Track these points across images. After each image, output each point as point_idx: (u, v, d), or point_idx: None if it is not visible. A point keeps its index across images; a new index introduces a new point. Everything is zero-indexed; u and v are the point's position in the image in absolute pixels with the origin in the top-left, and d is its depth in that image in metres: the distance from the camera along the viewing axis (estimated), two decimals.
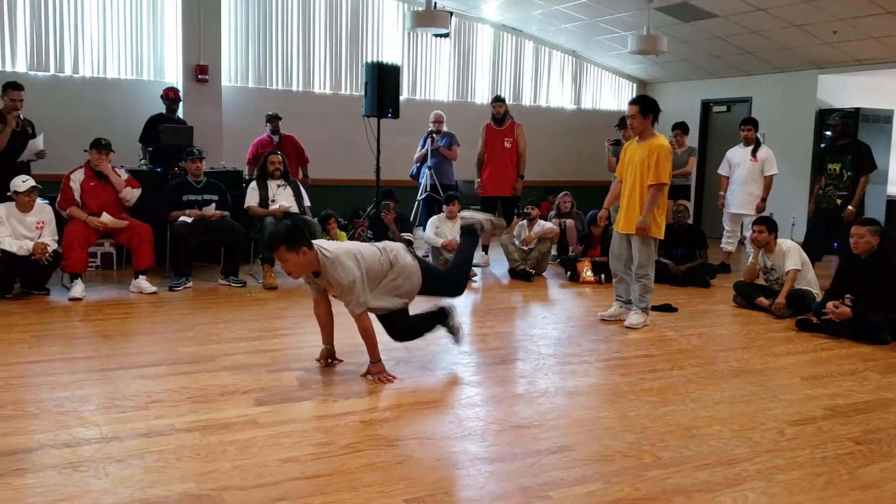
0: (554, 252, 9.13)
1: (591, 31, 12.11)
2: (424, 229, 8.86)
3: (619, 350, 5.58)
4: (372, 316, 4.70)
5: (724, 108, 12.94)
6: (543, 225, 8.67)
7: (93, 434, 3.66)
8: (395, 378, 4.64)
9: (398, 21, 11.94)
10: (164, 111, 9.04)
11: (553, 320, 6.55)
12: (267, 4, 11.00)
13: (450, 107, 11.66)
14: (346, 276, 4.44)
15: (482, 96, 12.79)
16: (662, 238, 6.33)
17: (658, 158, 6.04)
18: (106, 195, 7.11)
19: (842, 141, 8.38)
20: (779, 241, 7.14)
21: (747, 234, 8.60)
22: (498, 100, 9.21)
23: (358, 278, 4.48)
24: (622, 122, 9.60)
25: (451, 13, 9.52)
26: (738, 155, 9.20)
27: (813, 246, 7.89)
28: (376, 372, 4.64)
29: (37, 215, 6.74)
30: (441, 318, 5.07)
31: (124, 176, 7.31)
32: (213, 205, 7.54)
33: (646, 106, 6.18)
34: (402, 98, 9.81)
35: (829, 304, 6.13)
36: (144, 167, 8.58)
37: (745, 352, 5.64)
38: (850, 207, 8.13)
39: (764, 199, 8.92)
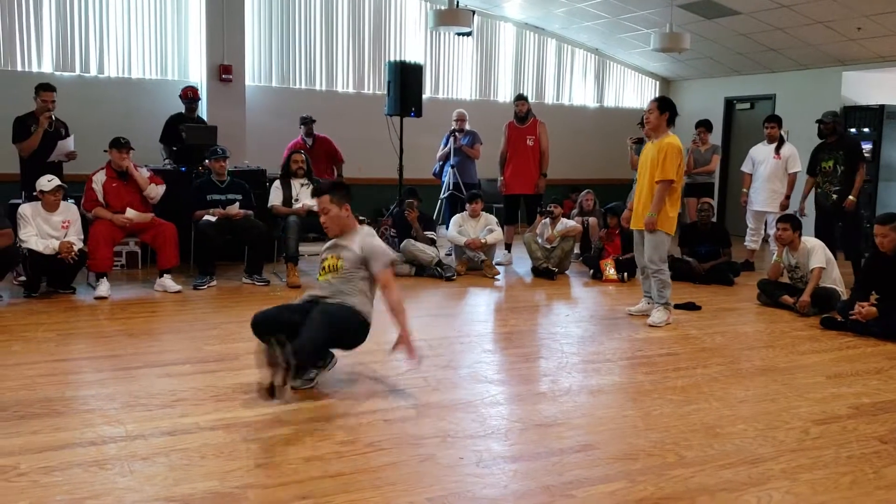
0: (577, 250, 9.12)
1: (614, 28, 12.06)
2: (447, 228, 8.87)
3: (642, 348, 5.55)
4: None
5: (747, 105, 12.84)
6: (566, 223, 8.64)
7: (118, 432, 3.69)
8: (420, 358, 4.44)
9: (421, 20, 11.96)
10: (183, 111, 9.09)
11: (576, 318, 6.54)
12: (290, 4, 11.05)
13: (472, 105, 11.66)
14: (380, 243, 4.50)
15: (505, 95, 12.77)
16: (673, 234, 6.40)
17: (666, 156, 6.17)
18: (129, 195, 7.15)
19: (831, 138, 8.39)
20: (803, 238, 7.08)
21: (771, 231, 8.54)
22: (520, 98, 9.19)
23: (390, 257, 4.50)
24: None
25: (474, 12, 9.51)
26: (761, 152, 9.13)
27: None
28: (409, 343, 4.25)
29: (62, 214, 6.79)
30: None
31: (146, 174, 7.35)
32: (237, 204, 7.57)
33: (664, 103, 6.37)
34: (424, 97, 9.82)
35: (857, 307, 6.08)
36: (169, 167, 8.65)
37: (770, 350, 5.60)
38: (850, 198, 8.14)
39: (788, 197, 8.85)
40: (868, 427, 4.02)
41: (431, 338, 5.63)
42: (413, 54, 11.76)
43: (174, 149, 8.80)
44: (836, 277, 6.99)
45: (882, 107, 10.75)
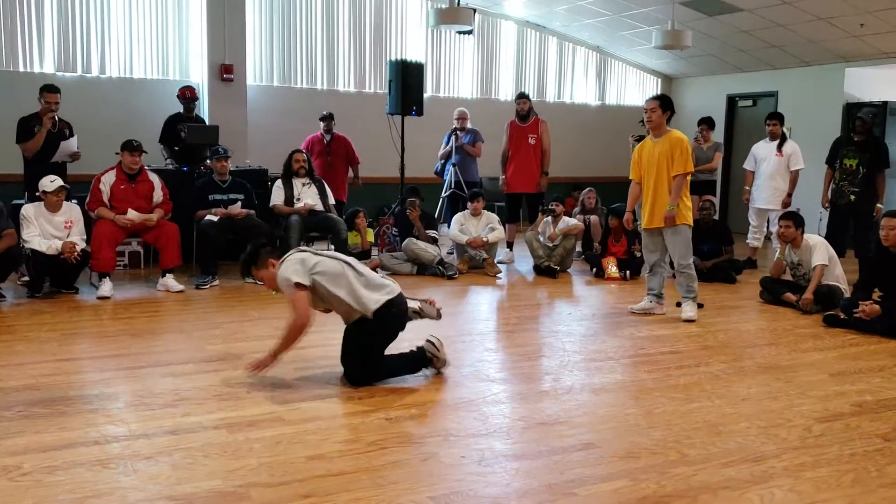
0: (578, 248, 9.12)
1: (616, 26, 12.05)
2: (449, 226, 8.87)
3: (644, 346, 5.55)
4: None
5: (749, 102, 12.82)
6: (568, 221, 8.65)
7: (121, 431, 3.70)
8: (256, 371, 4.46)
9: (422, 18, 11.95)
10: (181, 111, 9.09)
11: (578, 317, 6.54)
12: (291, 3, 11.05)
13: (474, 104, 11.66)
14: (284, 274, 4.40)
15: (506, 93, 12.76)
16: (692, 224, 6.45)
17: (681, 150, 6.25)
18: (136, 198, 7.16)
19: (860, 137, 8.30)
20: (805, 236, 7.08)
21: (773, 229, 8.53)
22: (522, 96, 9.19)
23: (291, 281, 4.36)
24: None
25: (475, 10, 9.50)
26: (763, 150, 9.12)
27: (833, 241, 7.82)
28: (263, 362, 4.43)
29: (65, 215, 6.81)
30: (417, 361, 4.71)
31: (158, 185, 7.34)
32: (239, 203, 7.59)
33: (665, 102, 6.43)
34: (426, 95, 9.83)
35: (861, 305, 6.07)
36: (170, 167, 8.65)
37: (772, 348, 5.60)
38: (878, 205, 8.12)
39: (790, 194, 8.84)
40: (871, 425, 4.02)
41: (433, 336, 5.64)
42: (414, 53, 11.76)
43: (175, 149, 8.81)
44: (839, 275, 6.99)
45: (885, 103, 10.73)
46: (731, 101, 13.03)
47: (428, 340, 4.69)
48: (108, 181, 7.14)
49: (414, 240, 8.29)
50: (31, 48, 9.60)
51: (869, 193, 8.15)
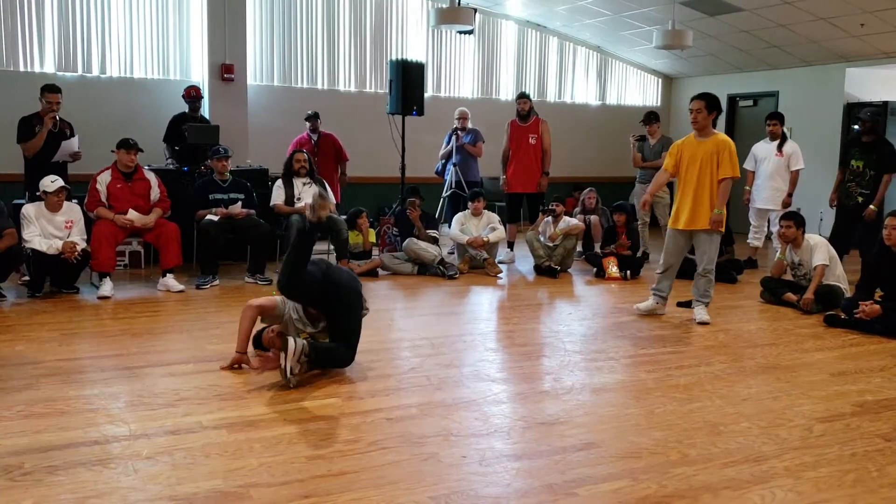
0: (579, 248, 9.11)
1: (616, 26, 12.05)
2: (450, 226, 8.87)
3: (645, 346, 5.55)
4: None
5: (750, 102, 12.82)
6: (569, 221, 8.65)
7: (122, 431, 3.70)
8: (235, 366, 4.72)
9: (422, 18, 11.95)
10: (186, 110, 9.10)
11: (579, 317, 6.53)
12: (292, 3, 11.05)
13: (474, 104, 11.66)
14: None
15: (507, 93, 12.76)
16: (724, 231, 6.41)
17: (729, 153, 6.15)
18: (133, 197, 7.16)
19: (868, 137, 8.28)
20: (806, 236, 7.08)
21: (774, 229, 8.53)
22: (522, 96, 9.19)
23: None
24: (647, 117, 9.57)
25: (475, 10, 9.50)
26: (763, 150, 9.12)
27: (838, 241, 7.83)
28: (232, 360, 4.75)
29: (65, 215, 6.81)
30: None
31: (154, 183, 7.35)
32: (240, 203, 7.59)
33: (711, 102, 6.22)
34: (426, 95, 9.83)
35: (861, 305, 6.06)
36: (171, 166, 8.65)
37: (773, 348, 5.59)
38: (871, 207, 8.10)
39: (790, 195, 8.83)
40: (872, 425, 4.02)
41: (434, 336, 5.65)
42: (415, 53, 11.76)
43: (176, 148, 8.81)
44: (840, 275, 6.99)
45: (886, 103, 10.73)
46: (732, 100, 13.02)
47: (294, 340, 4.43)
48: (103, 180, 7.14)
49: (415, 240, 8.29)
50: (32, 48, 9.59)
51: (874, 197, 8.14)
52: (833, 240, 7.94)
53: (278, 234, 7.94)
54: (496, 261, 8.63)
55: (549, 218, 8.66)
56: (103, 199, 7.08)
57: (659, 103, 14.11)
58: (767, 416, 4.10)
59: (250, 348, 4.86)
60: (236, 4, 10.12)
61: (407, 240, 8.32)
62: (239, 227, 7.52)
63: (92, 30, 9.88)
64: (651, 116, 9.54)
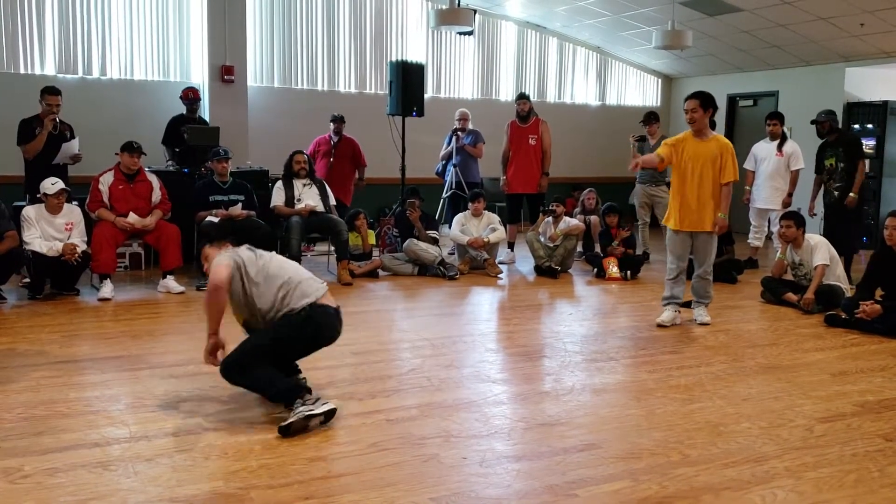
0: (579, 249, 9.11)
1: (616, 26, 12.05)
2: (450, 227, 8.87)
3: (645, 347, 5.55)
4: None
5: (750, 102, 12.82)
6: (569, 222, 8.64)
7: (122, 433, 3.70)
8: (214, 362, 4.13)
9: (422, 19, 11.95)
10: (184, 112, 9.10)
11: (579, 317, 6.53)
12: (292, 4, 11.05)
13: (474, 104, 11.64)
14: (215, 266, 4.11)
15: (507, 94, 12.76)
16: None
17: (731, 156, 6.08)
18: (135, 198, 7.17)
19: (831, 136, 8.47)
20: (807, 235, 7.08)
21: (774, 229, 8.53)
22: (522, 97, 9.19)
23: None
24: (647, 117, 9.56)
25: (475, 11, 9.50)
26: (763, 149, 9.12)
27: (832, 243, 7.84)
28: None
29: (66, 217, 6.81)
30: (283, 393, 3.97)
31: (156, 185, 7.36)
32: (240, 205, 7.59)
33: (705, 100, 6.10)
34: (426, 96, 9.83)
35: (862, 305, 6.06)
36: (171, 168, 8.65)
37: (773, 348, 5.59)
38: (851, 194, 8.18)
39: (790, 194, 8.83)
40: (873, 425, 4.01)
41: (434, 337, 5.65)
42: (415, 54, 11.76)
43: (176, 150, 8.81)
44: (840, 274, 6.99)
45: (885, 103, 10.73)
46: (732, 100, 13.02)
47: (320, 401, 3.86)
48: (106, 181, 7.14)
49: (415, 240, 8.28)
50: (32, 50, 9.59)
51: (850, 187, 8.20)
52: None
53: (279, 235, 7.93)
54: (496, 261, 8.62)
55: (550, 218, 8.65)
56: (105, 199, 7.08)
57: (659, 103, 14.10)
58: (768, 417, 4.10)
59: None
60: (236, 6, 10.13)
61: (407, 241, 8.32)
62: (239, 229, 7.52)
63: (92, 32, 9.88)
64: (651, 117, 9.54)
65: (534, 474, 3.34)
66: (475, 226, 8.59)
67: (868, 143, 10.37)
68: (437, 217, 9.43)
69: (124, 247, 7.81)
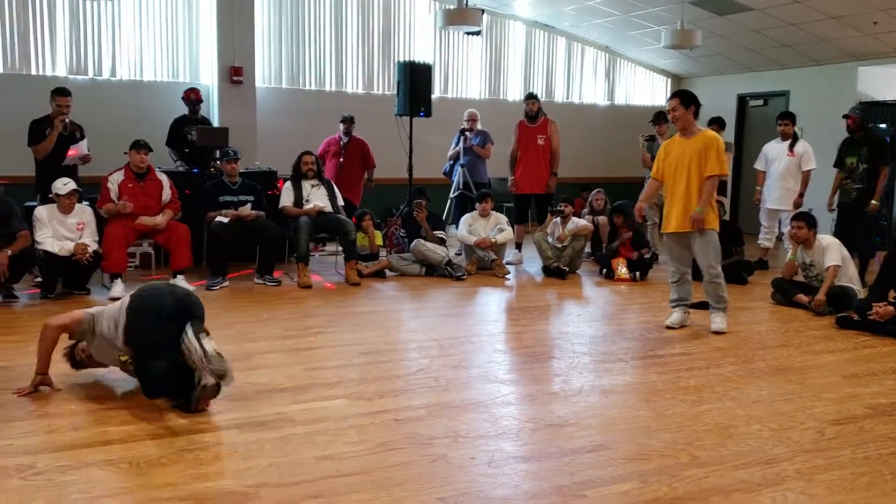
0: (588, 249, 9.09)
1: (624, 26, 12.02)
2: (457, 227, 8.86)
3: (654, 348, 5.53)
4: None
5: (760, 102, 12.77)
6: (577, 222, 8.62)
7: (132, 431, 3.70)
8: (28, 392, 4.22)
9: (430, 19, 11.94)
10: (187, 112, 9.10)
11: (587, 318, 6.52)
12: (300, 6, 11.06)
13: (482, 104, 11.63)
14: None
15: (515, 93, 12.75)
16: (719, 230, 6.08)
17: (717, 150, 5.87)
18: (145, 197, 7.20)
19: (857, 134, 8.33)
20: (818, 236, 7.03)
21: (785, 229, 8.49)
22: (531, 97, 9.17)
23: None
24: (657, 117, 9.54)
25: (483, 11, 9.49)
26: (774, 150, 9.07)
27: (842, 242, 7.79)
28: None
29: (77, 216, 6.84)
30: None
31: (167, 184, 7.40)
32: (249, 205, 7.60)
33: (686, 97, 6.02)
34: (434, 96, 9.81)
35: (874, 307, 6.02)
36: (181, 168, 8.67)
37: (784, 349, 5.56)
38: (873, 202, 8.06)
39: (802, 195, 8.79)
40: (885, 427, 3.99)
41: (442, 338, 5.64)
42: (422, 54, 11.75)
43: (186, 151, 8.83)
44: (852, 276, 6.94)
45: None
46: (742, 100, 12.97)
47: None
48: (115, 180, 7.18)
49: (422, 241, 8.28)
50: (44, 51, 9.63)
51: (871, 190, 8.11)
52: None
53: (287, 235, 7.95)
54: (504, 262, 8.61)
55: (558, 219, 8.63)
56: (114, 197, 7.11)
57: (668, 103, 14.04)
58: (779, 419, 4.08)
59: (67, 367, 4.49)
60: (245, 7, 10.14)
61: (415, 241, 8.32)
62: (248, 229, 7.54)
63: (103, 33, 9.91)
64: (660, 116, 9.50)
65: (542, 475, 3.33)
66: (483, 226, 8.58)
67: None
68: (444, 217, 9.42)
69: (135, 246, 7.83)
